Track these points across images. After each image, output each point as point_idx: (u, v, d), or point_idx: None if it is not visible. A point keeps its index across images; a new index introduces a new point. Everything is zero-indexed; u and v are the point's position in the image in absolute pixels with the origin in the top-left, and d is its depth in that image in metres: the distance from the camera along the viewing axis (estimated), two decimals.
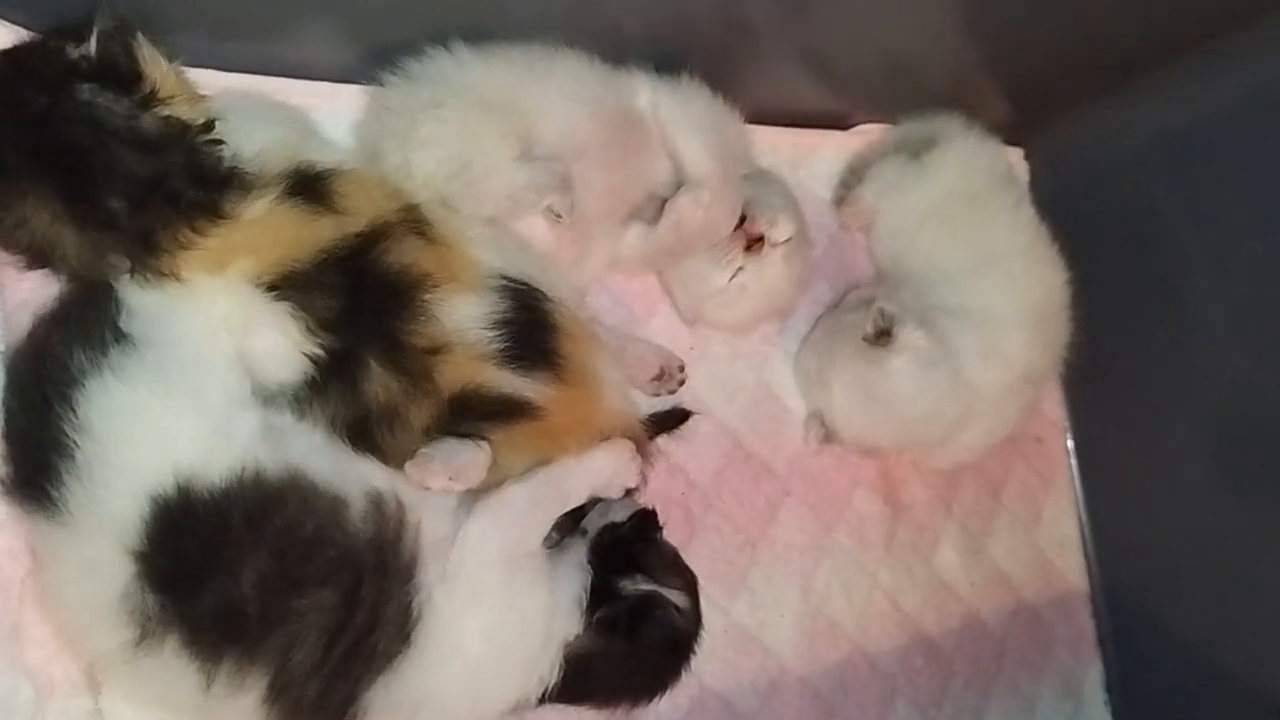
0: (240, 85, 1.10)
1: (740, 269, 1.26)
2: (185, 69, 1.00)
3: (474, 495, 1.00)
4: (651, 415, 1.26)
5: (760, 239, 1.26)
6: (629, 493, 1.13)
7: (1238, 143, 1.38)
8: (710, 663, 1.27)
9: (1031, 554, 1.59)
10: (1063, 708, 1.56)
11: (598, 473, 1.07)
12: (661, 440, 1.28)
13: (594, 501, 1.10)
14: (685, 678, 1.14)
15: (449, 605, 0.94)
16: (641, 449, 1.13)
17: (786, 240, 1.27)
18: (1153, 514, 1.57)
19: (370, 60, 1.12)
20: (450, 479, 0.95)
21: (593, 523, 1.09)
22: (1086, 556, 1.65)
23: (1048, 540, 1.61)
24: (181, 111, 0.92)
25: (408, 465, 0.95)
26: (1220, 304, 1.42)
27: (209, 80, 1.05)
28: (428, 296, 0.97)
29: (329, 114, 1.14)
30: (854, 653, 1.38)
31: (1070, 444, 1.67)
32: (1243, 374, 1.40)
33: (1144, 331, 1.52)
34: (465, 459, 0.96)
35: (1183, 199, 1.45)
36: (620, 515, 1.10)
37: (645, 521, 1.11)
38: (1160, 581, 1.57)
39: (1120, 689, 1.61)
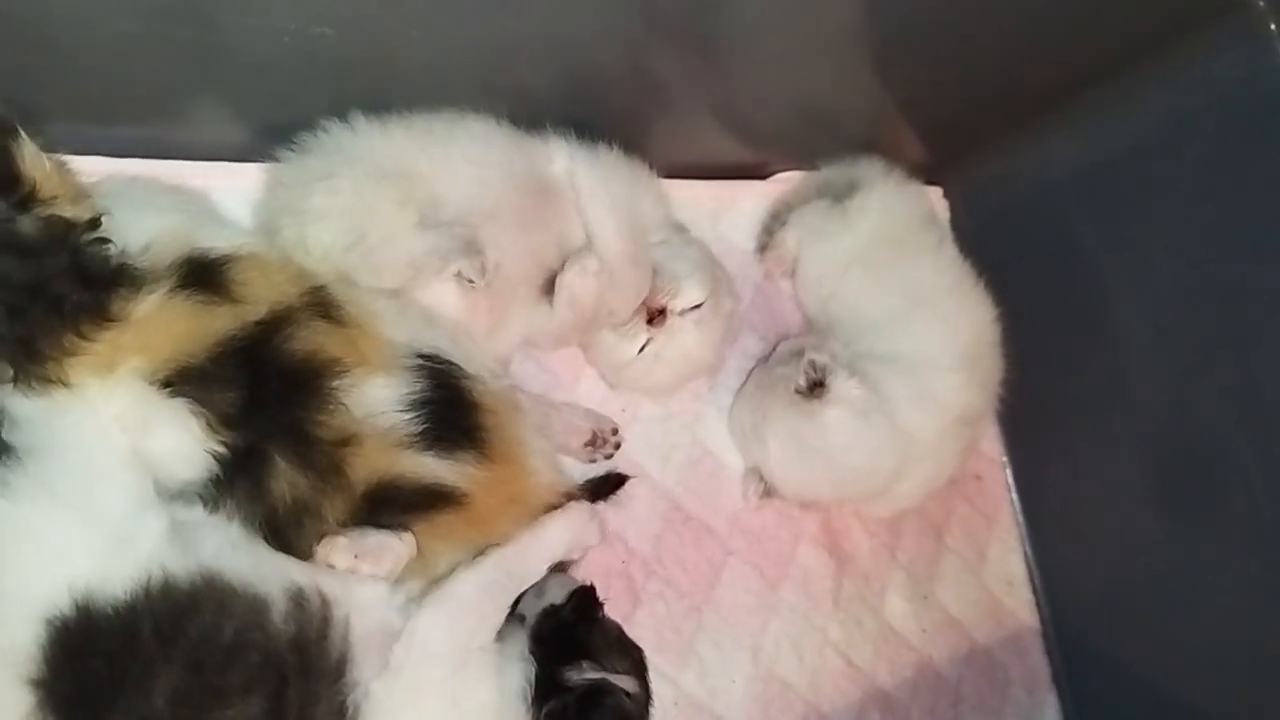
0: (134, 171, 1.07)
1: (650, 339, 1.24)
2: (74, 156, 0.97)
3: (406, 586, 0.97)
4: (586, 482, 1.23)
5: (662, 311, 1.24)
6: (563, 568, 1.10)
7: (1148, 172, 1.39)
8: None
9: (980, 594, 1.57)
10: None
11: (554, 545, 1.04)
12: (599, 507, 1.24)
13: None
14: None
15: (389, 700, 0.90)
16: None
17: (695, 307, 1.25)
18: (1097, 544, 1.56)
19: (269, 137, 1.10)
20: (356, 557, 0.92)
21: (530, 607, 1.04)
22: (1035, 592, 1.63)
23: (995, 579, 1.60)
24: (64, 210, 0.87)
25: (317, 546, 0.92)
26: (1144, 329, 1.42)
27: (100, 167, 1.03)
28: (335, 383, 0.94)
29: (229, 194, 1.11)
30: (809, 713, 1.34)
31: (1010, 480, 1.66)
32: (1172, 397, 1.40)
33: (1074, 362, 1.52)
34: (374, 541, 0.93)
35: (1100, 229, 1.46)
36: (558, 596, 1.06)
37: (585, 601, 1.07)
38: (1110, 612, 1.56)
39: None
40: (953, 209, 1.67)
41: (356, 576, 0.92)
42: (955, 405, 1.36)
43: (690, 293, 1.24)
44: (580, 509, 1.07)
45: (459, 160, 1.09)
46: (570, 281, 1.15)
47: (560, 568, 1.13)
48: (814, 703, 1.35)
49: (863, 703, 1.39)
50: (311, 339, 0.94)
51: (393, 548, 0.94)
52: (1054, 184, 1.53)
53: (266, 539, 0.92)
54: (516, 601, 1.05)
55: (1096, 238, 1.47)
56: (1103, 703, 1.56)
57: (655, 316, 1.23)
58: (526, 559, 1.01)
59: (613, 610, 1.21)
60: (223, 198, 1.10)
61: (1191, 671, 1.42)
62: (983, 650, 1.55)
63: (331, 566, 0.92)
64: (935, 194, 1.65)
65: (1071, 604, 1.61)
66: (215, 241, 0.96)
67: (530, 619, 1.03)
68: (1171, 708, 1.44)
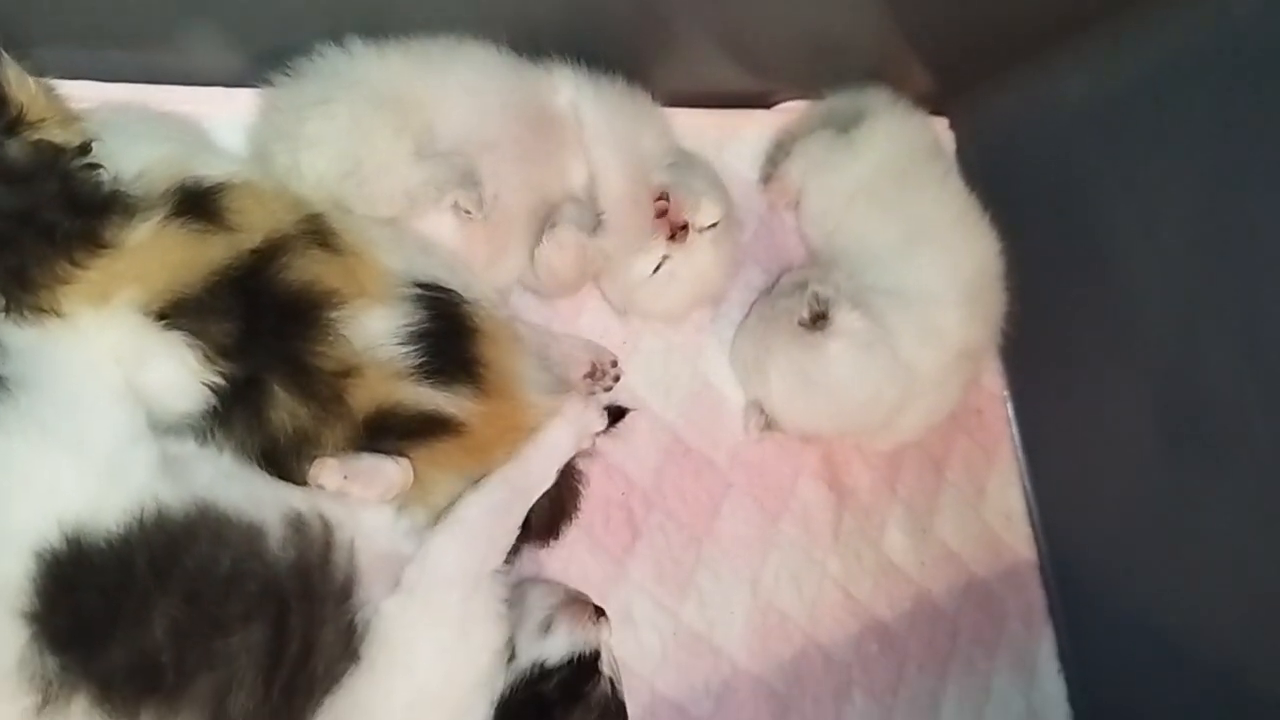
0: (126, 96, 1.05)
1: (667, 257, 1.23)
2: (64, 81, 0.95)
3: (411, 510, 0.96)
4: None
5: (684, 226, 1.22)
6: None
7: (1160, 105, 1.36)
8: (662, 669, 1.24)
9: (979, 529, 1.58)
10: (1018, 681, 1.55)
11: (558, 445, 1.03)
12: (599, 440, 1.22)
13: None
14: (636, 685, 1.12)
15: (401, 618, 0.91)
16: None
17: (713, 225, 1.24)
18: (1096, 480, 1.56)
19: (263, 63, 1.07)
20: (345, 478, 0.91)
21: (526, 645, 1.02)
22: (1033, 526, 1.64)
23: (994, 513, 1.61)
24: (54, 135, 0.85)
25: (310, 467, 0.91)
26: (1151, 264, 1.41)
27: (91, 93, 1.00)
28: (333, 314, 0.92)
29: (223, 121, 1.08)
30: (807, 645, 1.36)
31: (1011, 414, 1.66)
32: (1176, 333, 1.39)
33: (1078, 296, 1.51)
34: (367, 464, 0.92)
35: (1108, 163, 1.44)
36: (557, 650, 1.03)
37: (578, 676, 1.03)
38: (1107, 547, 1.56)
39: (1072, 657, 1.60)
40: (958, 140, 1.65)
41: (359, 501, 0.92)
42: (958, 339, 1.36)
43: (710, 209, 1.23)
44: (572, 400, 1.06)
45: (457, 88, 1.07)
46: (546, 256, 1.14)
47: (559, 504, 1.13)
48: (812, 634, 1.37)
49: (861, 635, 1.41)
50: (309, 269, 0.93)
51: (386, 472, 0.93)
52: (1062, 116, 1.51)
53: (266, 469, 0.91)
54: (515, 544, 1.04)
55: (1104, 171, 1.45)
56: (1097, 636, 1.58)
57: (677, 232, 1.22)
58: (531, 470, 1.01)
59: (613, 542, 1.24)
60: (216, 124, 1.08)
61: (1186, 607, 1.44)
62: (980, 583, 1.56)
63: (320, 487, 0.91)
64: (941, 125, 1.63)
65: (1069, 538, 1.62)
66: (209, 170, 0.94)
67: (517, 670, 1.00)
68: (1166, 642, 1.46)
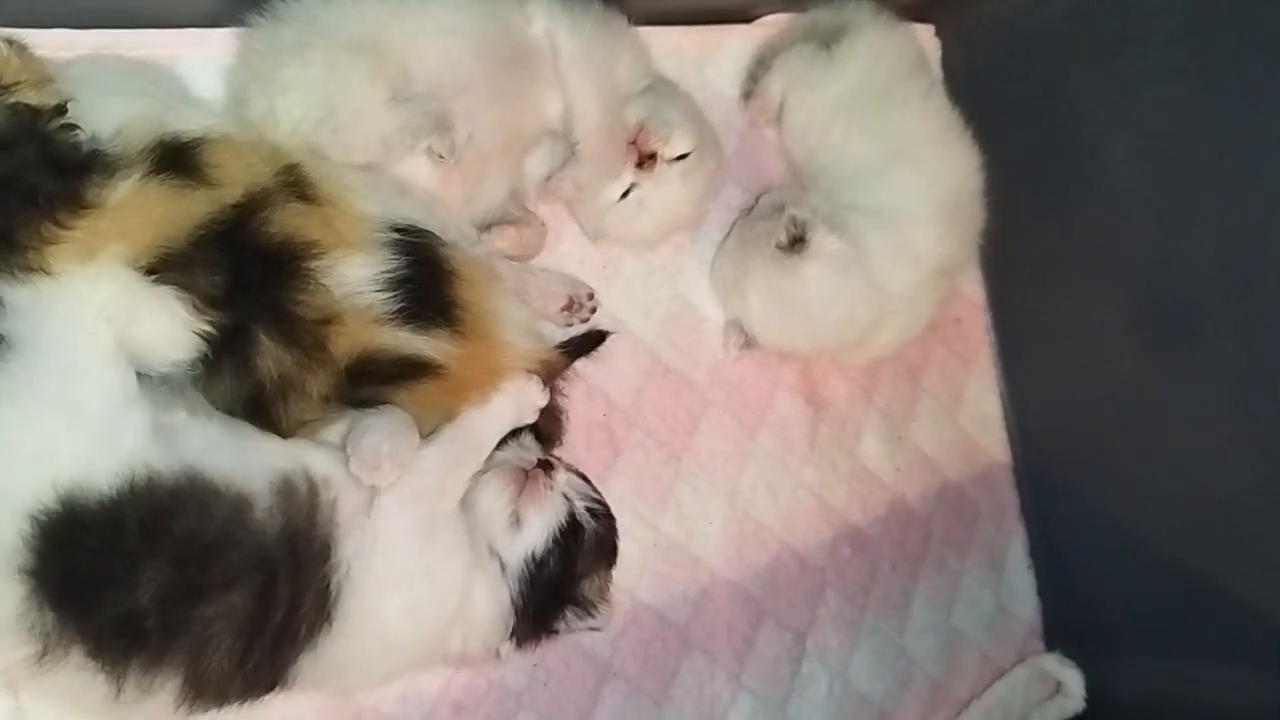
0: (98, 42, 1.05)
1: (635, 185, 1.24)
2: (35, 30, 0.96)
3: None
4: (567, 340, 1.25)
5: (652, 155, 1.23)
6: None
7: (1150, 13, 1.35)
8: (642, 577, 1.30)
9: (954, 434, 1.62)
10: (988, 579, 1.61)
11: (500, 417, 1.05)
12: (580, 364, 1.27)
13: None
14: (617, 595, 1.17)
15: (367, 579, 0.94)
16: (558, 378, 1.15)
17: (682, 156, 1.25)
18: (1073, 384, 1.59)
19: (239, 3, 1.07)
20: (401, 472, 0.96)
21: (509, 552, 1.04)
22: (1008, 430, 1.68)
23: (969, 419, 1.64)
24: (29, 97, 0.87)
25: (352, 465, 0.94)
26: (1131, 171, 1.41)
27: (63, 40, 1.01)
28: (313, 264, 0.95)
29: (198, 63, 1.09)
30: (782, 551, 1.41)
31: (989, 322, 1.68)
32: (1157, 243, 1.40)
33: (1059, 204, 1.52)
34: (405, 445, 0.96)
35: (1093, 68, 1.43)
36: (538, 541, 1.04)
37: (567, 544, 1.06)
38: (1080, 449, 1.60)
39: (1043, 555, 1.66)
40: (944, 47, 1.63)
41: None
42: (932, 257, 1.37)
43: (680, 140, 1.24)
44: (518, 379, 1.07)
45: (431, 30, 1.07)
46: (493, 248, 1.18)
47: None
48: (787, 541, 1.42)
49: (834, 540, 1.46)
50: (289, 221, 0.95)
51: (412, 440, 0.97)
52: (1049, 21, 1.49)
53: (253, 415, 0.95)
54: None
55: (1088, 77, 1.44)
56: (1068, 534, 1.63)
57: (645, 160, 1.23)
58: (475, 432, 1.03)
59: (594, 460, 1.27)
60: (191, 66, 1.09)
61: (1154, 505, 1.48)
62: (954, 486, 1.61)
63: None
64: (927, 32, 1.61)
65: (1043, 440, 1.65)
66: (186, 124, 0.95)
67: (514, 573, 1.03)
68: (1133, 540, 1.51)
